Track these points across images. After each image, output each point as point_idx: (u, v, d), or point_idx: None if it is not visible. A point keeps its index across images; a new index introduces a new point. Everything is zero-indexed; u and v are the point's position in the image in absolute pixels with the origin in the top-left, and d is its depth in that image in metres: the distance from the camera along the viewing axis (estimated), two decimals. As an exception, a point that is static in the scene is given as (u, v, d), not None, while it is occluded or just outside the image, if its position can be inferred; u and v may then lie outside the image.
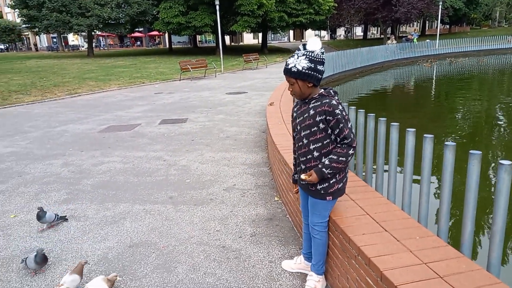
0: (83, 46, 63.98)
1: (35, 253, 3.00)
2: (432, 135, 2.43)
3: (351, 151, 2.34)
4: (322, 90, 2.43)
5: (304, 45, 2.36)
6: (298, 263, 2.97)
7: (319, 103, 2.37)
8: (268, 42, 46.44)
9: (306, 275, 2.84)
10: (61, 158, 6.42)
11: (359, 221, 2.46)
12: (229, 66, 24.88)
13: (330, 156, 2.38)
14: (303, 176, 2.44)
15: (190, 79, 18.70)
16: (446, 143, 2.26)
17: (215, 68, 20.60)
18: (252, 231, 3.69)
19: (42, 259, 3.01)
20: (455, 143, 2.27)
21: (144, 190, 4.87)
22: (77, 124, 9.19)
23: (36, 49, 66.91)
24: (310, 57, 2.32)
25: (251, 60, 23.88)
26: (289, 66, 2.37)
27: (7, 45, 66.41)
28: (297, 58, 2.35)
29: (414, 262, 1.98)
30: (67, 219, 4.10)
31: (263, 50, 39.21)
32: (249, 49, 36.21)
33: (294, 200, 3.58)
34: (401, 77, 21.34)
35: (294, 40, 72.96)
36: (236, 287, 2.85)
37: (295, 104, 2.65)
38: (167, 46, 49.53)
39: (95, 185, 5.15)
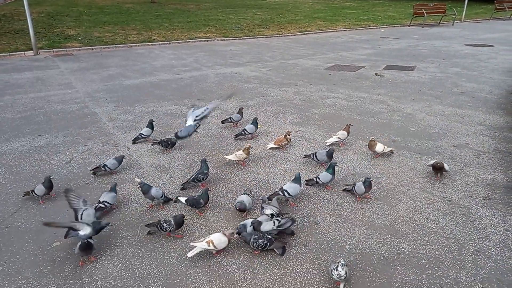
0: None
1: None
2: None
3: None
4: None
5: None
6: None
7: None
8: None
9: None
10: (294, 87, 7.21)
11: None
12: (472, 14, 21.17)
13: None
14: None
15: (421, 26, 17.03)
16: None
17: (454, 15, 17.93)
18: (485, 194, 3.36)
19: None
20: None
21: (367, 129, 5.02)
22: (306, 60, 9.97)
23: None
24: None
25: (505, 8, 19.54)
26: None
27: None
28: None
29: None
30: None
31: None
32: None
33: (554, 174, 3.00)
34: None
35: None
36: (462, 241, 2.74)
37: None
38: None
39: (322, 115, 5.63)
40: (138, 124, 5.24)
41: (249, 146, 3.98)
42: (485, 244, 2.71)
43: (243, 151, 3.93)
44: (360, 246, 2.73)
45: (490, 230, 2.86)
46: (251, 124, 4.74)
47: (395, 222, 3.00)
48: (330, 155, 3.87)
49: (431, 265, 2.51)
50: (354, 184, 3.47)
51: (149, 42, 12.54)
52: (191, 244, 2.66)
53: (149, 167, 3.97)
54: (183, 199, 3.13)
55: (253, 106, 6.08)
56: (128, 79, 7.85)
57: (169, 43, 12.57)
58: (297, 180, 3.23)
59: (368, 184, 3.32)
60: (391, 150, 4.21)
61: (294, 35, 15.03)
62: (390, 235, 2.84)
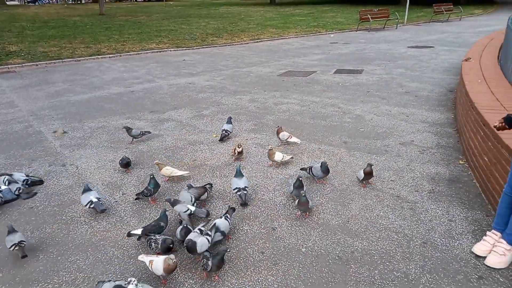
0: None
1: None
2: None
3: None
4: None
5: None
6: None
7: None
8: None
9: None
10: (248, 95, 7.27)
11: None
12: (414, 18, 22.48)
13: None
14: None
15: (367, 30, 17.83)
16: None
17: (397, 19, 18.96)
18: (430, 188, 3.55)
19: None
20: None
21: (320, 132, 5.15)
22: (259, 67, 10.09)
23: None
24: None
25: (442, 11, 20.94)
26: None
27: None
28: None
29: None
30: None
31: (459, 0, 33.59)
32: (439, -1, 31.54)
33: (488, 164, 3.23)
34: None
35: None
36: (410, 235, 2.87)
37: None
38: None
39: (276, 121, 5.71)
40: (87, 141, 5.04)
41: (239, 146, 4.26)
42: (431, 235, 2.85)
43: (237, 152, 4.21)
44: (316, 248, 2.78)
45: (436, 222, 3.02)
46: (227, 123, 5.01)
47: (348, 221, 3.09)
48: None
49: (383, 260, 2.61)
50: (311, 167, 3.63)
51: (98, 55, 12.14)
52: (139, 258, 2.58)
53: (100, 185, 3.82)
54: (138, 231, 2.83)
55: (208, 115, 6.05)
56: (76, 94, 7.54)
57: (120, 56, 12.25)
58: (238, 174, 3.44)
59: (325, 168, 3.50)
60: (292, 157, 4.24)
61: (247, 43, 15.19)
62: (344, 234, 2.92)
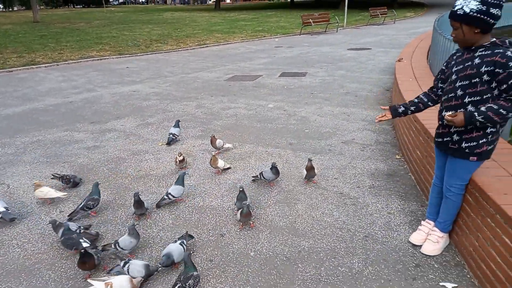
0: (210, 0, 67.56)
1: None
2: None
3: None
4: (495, 38, 2.13)
5: None
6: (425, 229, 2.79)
7: (489, 52, 2.10)
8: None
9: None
10: (195, 101, 7.19)
11: (502, 182, 2.29)
12: (353, 21, 23.60)
13: (489, 105, 2.10)
14: (447, 115, 2.24)
15: (310, 34, 18.42)
16: None
17: (337, 23, 19.80)
18: (370, 183, 3.72)
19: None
20: None
21: (267, 135, 5.21)
22: (206, 72, 10.04)
23: (171, 2, 73.21)
24: None
25: (378, 15, 22.21)
26: (455, 8, 2.13)
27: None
28: None
29: None
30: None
31: (393, 4, 35.84)
32: (377, 3, 33.43)
33: (421, 158, 3.46)
34: None
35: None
36: (353, 230, 2.98)
37: (455, 51, 2.38)
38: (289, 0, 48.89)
39: (224, 126, 5.69)
40: (20, 157, 4.69)
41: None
42: (373, 229, 2.99)
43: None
44: (264, 251, 2.79)
45: (376, 215, 3.16)
46: (174, 127, 5.02)
47: (295, 221, 3.15)
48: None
49: (328, 257, 2.68)
50: (261, 172, 3.66)
51: (32, 65, 11.39)
52: (88, 280, 2.45)
53: (34, 204, 3.56)
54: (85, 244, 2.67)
55: (154, 123, 5.90)
56: (8, 107, 7.00)
57: (57, 65, 11.59)
58: (179, 181, 3.45)
59: (275, 170, 3.57)
60: (230, 167, 4.21)
61: (193, 48, 15.06)
62: (291, 234, 2.97)
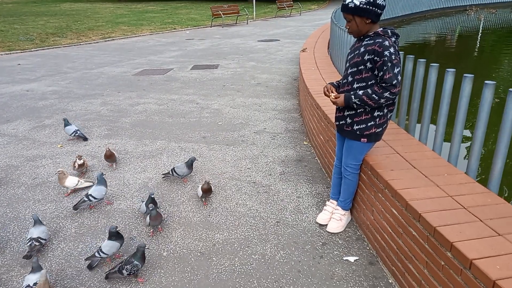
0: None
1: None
2: (472, 75, 2.39)
3: (386, 94, 2.24)
4: (381, 29, 2.32)
5: None
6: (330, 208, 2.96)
7: (371, 41, 2.28)
8: (302, -12, 43.95)
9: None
10: (100, 98, 6.71)
11: (389, 159, 2.53)
12: (261, 14, 24.11)
13: (366, 90, 2.33)
14: (332, 96, 2.45)
15: (221, 26, 18.38)
16: (486, 82, 2.23)
17: (247, 14, 20.05)
18: (281, 170, 3.86)
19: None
20: (495, 82, 2.23)
21: (179, 130, 5.08)
22: (112, 67, 9.42)
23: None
24: None
25: (284, 7, 23.01)
26: (347, 2, 2.27)
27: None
28: None
29: (440, 195, 2.06)
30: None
31: (297, -3, 37.41)
32: (283, -4, 34.52)
33: (324, 142, 3.67)
34: (445, 27, 20.00)
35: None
36: (266, 217, 3.06)
37: (355, 41, 2.53)
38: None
39: (132, 123, 5.41)
40: None
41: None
42: (283, 214, 3.10)
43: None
44: (177, 249, 2.72)
45: (286, 201, 3.29)
46: (66, 126, 4.74)
47: (209, 215, 3.12)
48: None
49: (242, 247, 2.71)
50: (173, 168, 3.55)
51: None
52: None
53: None
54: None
55: (52, 125, 5.36)
56: None
57: None
58: (100, 182, 3.21)
59: (190, 163, 3.51)
60: (92, 183, 3.49)
61: (97, 42, 14.02)
62: (206, 229, 2.94)
